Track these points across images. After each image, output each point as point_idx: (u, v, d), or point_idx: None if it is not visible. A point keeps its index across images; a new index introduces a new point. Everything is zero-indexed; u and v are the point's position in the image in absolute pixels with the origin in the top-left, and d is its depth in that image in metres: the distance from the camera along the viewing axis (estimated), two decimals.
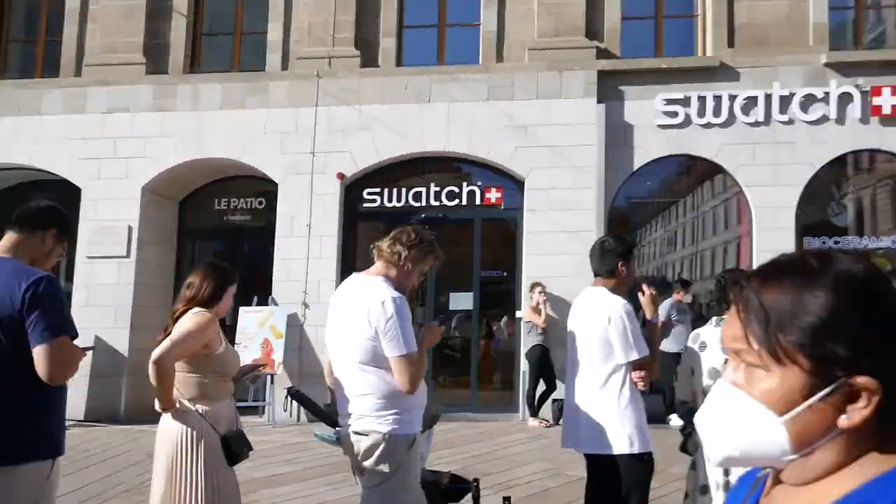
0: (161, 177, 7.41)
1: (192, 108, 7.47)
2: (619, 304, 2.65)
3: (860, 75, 7.19)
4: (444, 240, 6.96)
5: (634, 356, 2.59)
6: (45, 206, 2.13)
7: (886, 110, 7.14)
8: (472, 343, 7.35)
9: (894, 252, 7.46)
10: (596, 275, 2.82)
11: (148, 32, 7.83)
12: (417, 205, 7.53)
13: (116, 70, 7.64)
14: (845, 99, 7.21)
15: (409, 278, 2.44)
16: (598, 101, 7.28)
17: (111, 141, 7.42)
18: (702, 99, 7.30)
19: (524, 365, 6.93)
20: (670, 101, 7.34)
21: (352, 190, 7.50)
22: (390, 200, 7.53)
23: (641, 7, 7.93)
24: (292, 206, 7.24)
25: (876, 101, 7.16)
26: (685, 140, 7.37)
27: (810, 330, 0.63)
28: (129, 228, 7.19)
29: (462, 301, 7.36)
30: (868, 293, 0.65)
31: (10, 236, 2.03)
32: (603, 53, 7.56)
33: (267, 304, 6.92)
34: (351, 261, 7.15)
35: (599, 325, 2.64)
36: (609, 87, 7.41)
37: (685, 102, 7.33)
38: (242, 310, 6.77)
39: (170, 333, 2.48)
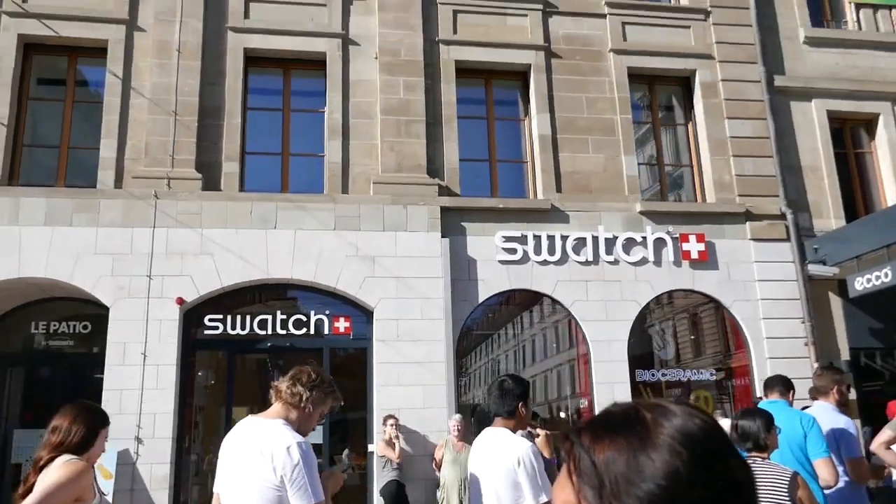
0: None
1: (10, 222, 9.64)
2: (525, 445, 3.48)
3: (669, 223, 11.46)
4: (291, 369, 9.63)
5: (544, 498, 3.34)
6: None
7: (694, 255, 11.38)
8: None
9: (710, 383, 11.37)
10: (495, 415, 3.77)
11: None
12: (263, 333, 10.13)
13: None
14: (660, 243, 11.37)
15: (309, 421, 3.18)
16: (443, 236, 10.69)
17: None
18: (537, 238, 11.04)
19: (378, 502, 9.35)
20: (509, 239, 10.99)
21: (191, 316, 9.92)
22: (234, 328, 10.05)
23: (477, 150, 11.86)
24: (125, 332, 9.45)
25: (685, 246, 11.40)
26: (525, 275, 10.95)
27: (648, 499, 0.80)
28: None
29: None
30: (708, 454, 0.85)
31: None
32: (444, 190, 11.16)
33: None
34: (190, 392, 9.38)
35: (508, 468, 3.42)
36: (452, 223, 10.91)
37: (522, 240, 11.02)
38: None
39: (32, 486, 3.00)
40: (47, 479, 3.03)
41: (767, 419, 4.10)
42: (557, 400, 11.59)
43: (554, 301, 11.06)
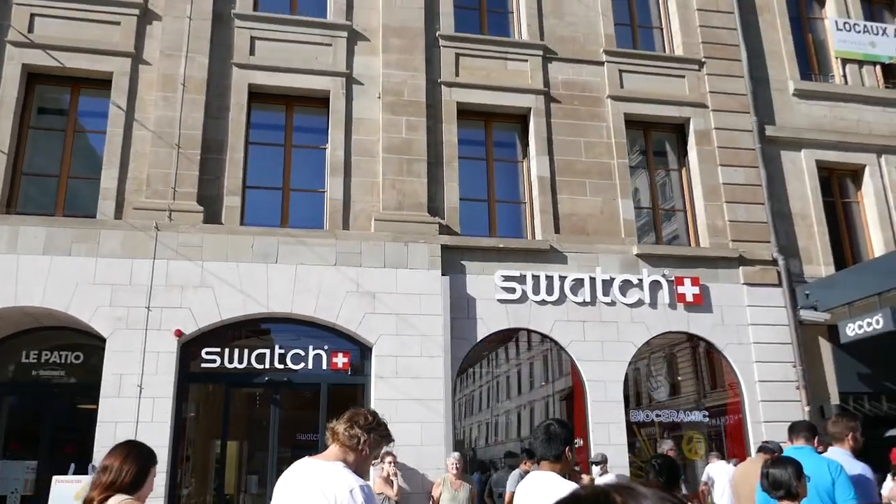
0: None
1: (8, 250, 9.54)
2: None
3: (664, 266, 11.61)
4: (289, 404, 9.66)
5: None
6: None
7: (689, 298, 11.50)
8: None
9: (703, 425, 11.41)
10: (541, 459, 3.76)
11: None
12: (261, 367, 10.04)
13: None
14: (655, 286, 11.49)
15: (366, 463, 3.20)
16: (443, 274, 10.73)
17: None
18: (535, 278, 11.12)
19: None
20: (508, 278, 11.05)
21: (189, 349, 9.82)
22: (231, 361, 9.96)
23: (476, 190, 11.98)
24: (122, 363, 9.33)
25: (680, 289, 11.53)
26: (523, 314, 10.99)
27: None
28: None
29: None
30: None
31: None
32: (444, 229, 11.23)
33: (87, 473, 8.54)
34: (185, 425, 9.24)
35: None
36: (452, 261, 10.96)
37: (521, 280, 11.09)
38: (56, 479, 8.32)
39: None
40: None
41: (797, 467, 4.13)
42: None
43: (551, 341, 11.09)
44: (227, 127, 11.18)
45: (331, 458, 3.16)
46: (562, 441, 3.74)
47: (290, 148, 11.75)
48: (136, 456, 3.33)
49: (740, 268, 11.89)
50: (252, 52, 11.69)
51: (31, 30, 11.06)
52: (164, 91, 11.05)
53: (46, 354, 10.14)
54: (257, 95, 11.64)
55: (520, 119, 12.56)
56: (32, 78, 11.10)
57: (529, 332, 11.15)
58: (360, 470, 3.18)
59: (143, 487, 3.30)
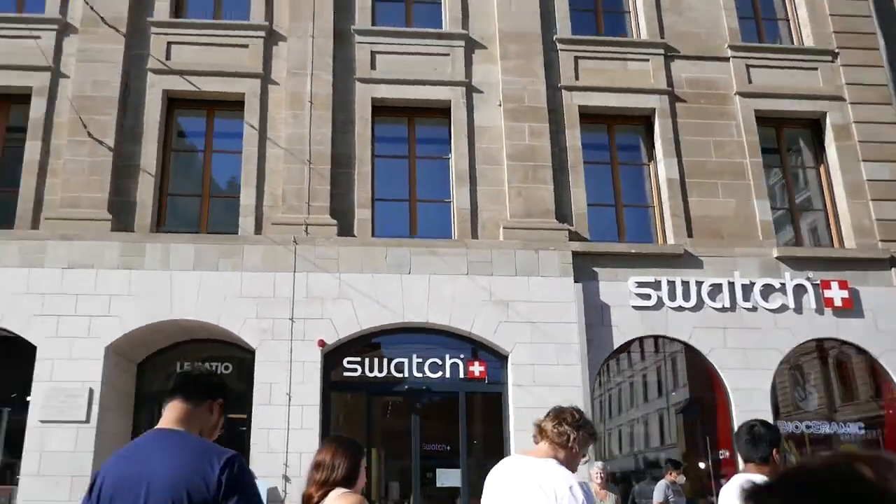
0: (126, 337, 9.83)
1: (161, 267, 10.20)
2: None
3: (808, 269, 11.28)
4: (428, 413, 9.88)
5: None
6: (210, 374, 2.88)
7: (837, 303, 11.12)
8: None
9: (860, 438, 10.99)
10: (747, 461, 3.74)
11: (114, 189, 10.78)
12: (399, 375, 10.36)
13: (79, 225, 10.38)
14: (800, 290, 11.17)
15: (576, 460, 3.22)
16: (575, 281, 10.78)
17: (72, 297, 9.88)
18: (671, 283, 11.01)
19: None
20: (642, 284, 10.98)
21: (331, 358, 10.23)
22: (371, 370, 10.32)
23: (602, 195, 11.98)
24: (270, 373, 9.81)
25: (827, 293, 11.16)
26: (659, 321, 10.91)
27: None
28: (91, 391, 9.38)
29: (450, 478, 9.88)
30: None
31: (177, 406, 2.61)
32: (574, 236, 11.28)
33: None
34: (332, 430, 9.62)
35: None
36: (583, 268, 11.00)
37: (656, 286, 11.00)
38: None
39: None
40: None
41: None
42: (695, 449, 11.37)
43: (690, 348, 10.95)
44: (354, 141, 11.60)
45: (542, 455, 3.21)
46: (768, 442, 3.71)
47: (414, 159, 12.08)
48: (345, 450, 3.45)
49: (892, 269, 11.41)
50: (373, 67, 12.10)
51: (168, 57, 11.81)
52: (292, 109, 11.57)
53: (198, 365, 10.79)
54: (380, 109, 12.03)
55: (644, 120, 12.50)
56: (171, 103, 11.83)
57: (666, 339, 11.04)
58: (570, 468, 3.21)
59: (357, 480, 3.42)
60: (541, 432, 3.28)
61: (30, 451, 9.27)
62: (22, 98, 11.44)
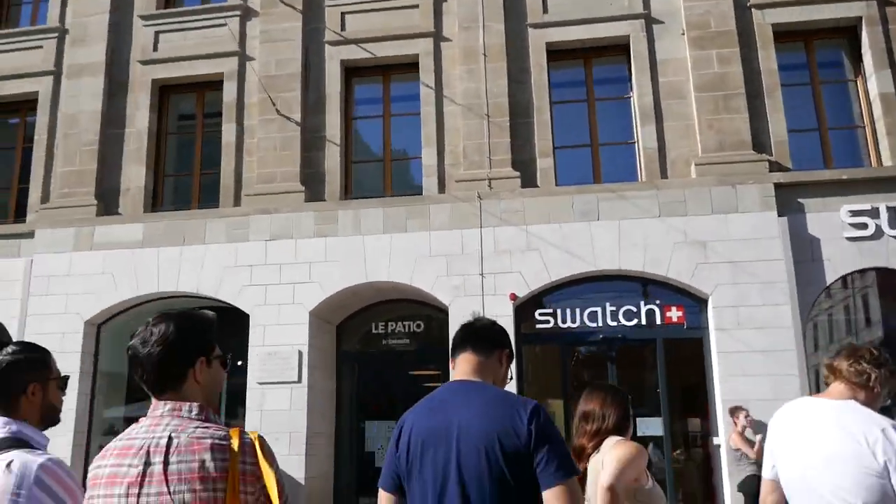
0: (326, 302, 10.46)
1: (353, 232, 10.69)
2: None
3: None
4: (626, 362, 9.66)
5: None
6: (496, 324, 2.81)
7: None
8: (666, 474, 9.54)
9: None
10: None
11: (304, 162, 11.38)
12: (593, 325, 10.23)
13: (276, 199, 11.08)
14: None
15: (877, 402, 2.96)
16: (779, 215, 10.07)
17: (276, 267, 10.63)
18: (892, 210, 9.99)
19: (730, 497, 9.02)
20: (857, 213, 10.06)
21: (522, 311, 10.30)
22: (564, 321, 10.28)
23: (802, 120, 11.03)
24: None
25: None
26: (879, 252, 9.96)
27: None
28: (300, 353, 10.11)
29: (651, 427, 9.70)
30: None
31: (469, 358, 2.62)
32: (774, 166, 10.51)
33: None
34: (527, 385, 9.72)
35: None
36: (787, 200, 10.23)
37: (874, 213, 10.03)
38: None
39: (584, 470, 3.21)
40: (613, 455, 3.18)
41: None
42: None
43: None
44: (531, 89, 11.43)
45: (837, 397, 2.99)
46: None
47: (592, 102, 11.73)
48: (613, 397, 3.44)
49: None
50: (545, 10, 11.80)
51: (343, 27, 12.18)
52: (466, 64, 11.57)
53: (392, 325, 11.27)
54: (555, 53, 11.74)
55: (847, 32, 11.33)
56: (349, 73, 12.22)
57: (888, 271, 10.07)
58: (872, 409, 2.95)
59: (629, 428, 3.41)
60: (833, 372, 3.05)
61: (251, 409, 10.17)
62: (215, 84, 12.29)
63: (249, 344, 10.39)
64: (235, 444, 1.86)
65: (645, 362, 10.33)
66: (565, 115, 11.68)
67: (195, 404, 1.96)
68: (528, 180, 10.96)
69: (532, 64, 11.56)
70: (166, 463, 1.82)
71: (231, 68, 12.14)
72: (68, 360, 10.85)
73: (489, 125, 11.17)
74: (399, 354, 11.40)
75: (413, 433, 2.51)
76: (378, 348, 11.47)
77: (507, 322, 10.07)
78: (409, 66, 11.97)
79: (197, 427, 1.90)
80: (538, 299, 10.45)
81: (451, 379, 2.70)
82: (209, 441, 1.85)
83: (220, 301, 10.65)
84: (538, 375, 11.06)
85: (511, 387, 9.57)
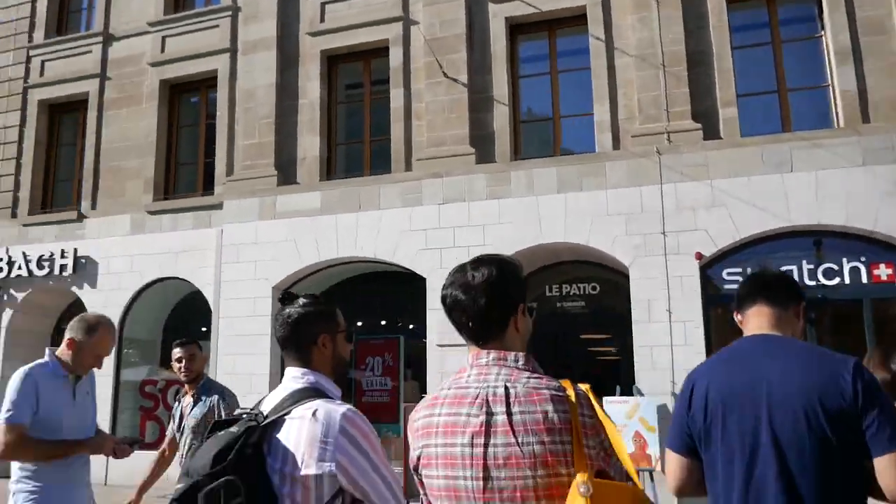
0: None
1: (526, 193, 10.50)
2: None
3: None
4: (827, 325, 8.93)
5: None
6: (788, 275, 2.60)
7: None
8: None
9: None
10: None
11: (472, 123, 11.29)
12: None
13: (447, 162, 11.08)
14: None
15: None
16: None
17: (450, 230, 10.66)
18: None
19: None
20: None
21: (709, 271, 9.78)
22: None
23: None
24: (647, 290, 9.67)
25: None
26: None
27: None
28: None
29: None
30: None
31: (765, 311, 2.42)
32: None
33: (631, 395, 9.14)
34: (715, 348, 9.22)
35: None
36: None
37: None
38: (606, 400, 9.06)
39: None
40: None
41: None
42: None
43: None
44: (709, 35, 10.72)
45: None
46: None
47: (779, 44, 10.85)
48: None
49: None
50: None
51: None
52: (638, 12, 11.00)
53: (567, 287, 11.05)
54: None
55: None
56: (514, 30, 11.94)
57: None
58: None
59: None
60: None
61: (431, 371, 10.32)
62: (381, 51, 12.39)
63: (427, 307, 10.48)
64: (572, 395, 1.76)
65: (849, 325, 9.52)
66: (748, 61, 10.88)
67: (520, 354, 1.87)
68: (711, 132, 10.32)
69: (709, 8, 10.83)
70: (509, 413, 1.75)
71: (396, 33, 12.19)
72: (260, 323, 11.45)
73: (665, 76, 10.60)
74: (573, 318, 11.17)
75: (710, 392, 2.29)
76: (551, 311, 11.29)
77: (694, 283, 9.60)
78: (576, 19, 11.55)
79: (529, 377, 1.80)
80: (726, 258, 9.86)
81: (746, 334, 2.46)
82: (547, 392, 1.75)
83: (397, 265, 10.81)
84: (728, 342, 10.46)
85: (698, 351, 9.17)
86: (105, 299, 13.01)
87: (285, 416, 2.03)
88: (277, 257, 11.64)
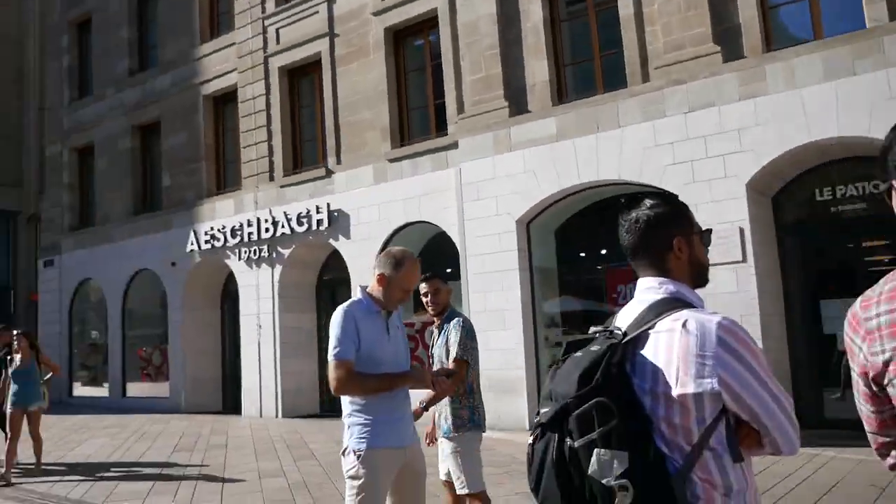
0: (762, 171, 9.37)
1: (786, 87, 9.29)
2: None
3: None
4: None
5: None
6: None
7: None
8: None
9: None
10: None
11: (713, 19, 10.16)
12: None
13: (688, 66, 10.11)
14: None
15: None
16: None
17: (700, 140, 9.79)
18: None
19: None
20: None
21: None
22: None
23: None
24: None
25: None
26: None
27: None
28: (741, 230, 9.28)
29: None
30: None
31: None
32: None
33: None
34: None
35: None
36: None
37: None
38: None
39: None
40: None
41: None
42: None
43: None
44: None
45: None
46: None
47: None
48: None
49: None
50: None
51: None
52: None
53: (841, 189, 9.75)
54: None
55: None
56: None
57: None
58: None
59: None
60: None
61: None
62: None
63: None
64: None
65: None
66: None
67: None
68: None
69: None
70: None
71: None
72: (506, 258, 11.37)
73: None
74: (849, 223, 9.85)
75: None
76: (824, 218, 10.05)
77: None
78: None
79: None
80: None
81: None
82: None
83: (645, 185, 10.12)
84: None
85: None
86: (359, 249, 13.64)
87: (649, 331, 1.81)
88: (517, 190, 11.41)
